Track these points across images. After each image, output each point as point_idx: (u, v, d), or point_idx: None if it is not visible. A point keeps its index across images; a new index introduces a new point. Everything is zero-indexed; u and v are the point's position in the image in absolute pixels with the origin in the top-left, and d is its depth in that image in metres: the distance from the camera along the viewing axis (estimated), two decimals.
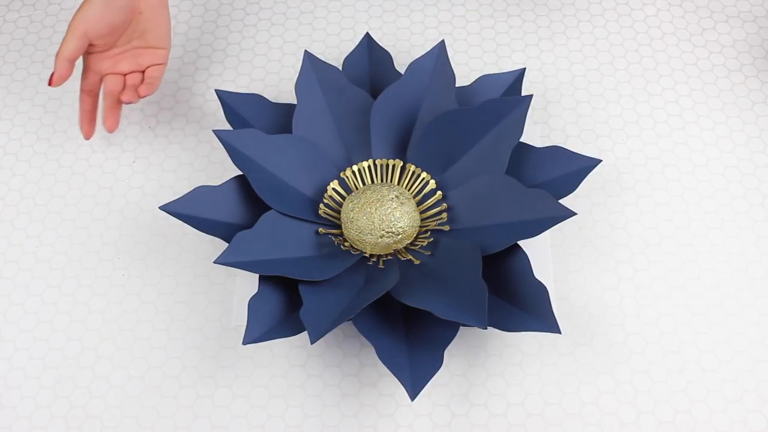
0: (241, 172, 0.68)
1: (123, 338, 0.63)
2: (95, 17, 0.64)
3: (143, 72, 0.69)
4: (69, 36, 0.64)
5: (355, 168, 0.66)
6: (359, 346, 0.62)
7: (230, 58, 0.76)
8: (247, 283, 0.64)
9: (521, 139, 0.70)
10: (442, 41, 0.68)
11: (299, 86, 0.67)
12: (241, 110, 0.68)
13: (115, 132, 0.72)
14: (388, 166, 0.66)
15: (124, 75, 0.69)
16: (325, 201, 0.65)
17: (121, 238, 0.67)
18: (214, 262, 0.57)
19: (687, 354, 0.61)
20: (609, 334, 0.61)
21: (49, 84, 0.65)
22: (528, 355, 0.61)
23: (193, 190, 0.62)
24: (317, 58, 0.68)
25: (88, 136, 0.69)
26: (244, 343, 0.56)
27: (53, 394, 0.61)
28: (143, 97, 0.68)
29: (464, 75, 0.74)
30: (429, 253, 0.61)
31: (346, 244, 0.63)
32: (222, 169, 0.70)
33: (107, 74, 0.69)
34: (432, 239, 0.62)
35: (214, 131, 0.62)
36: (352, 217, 0.63)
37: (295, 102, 0.73)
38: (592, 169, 0.62)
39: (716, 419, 0.58)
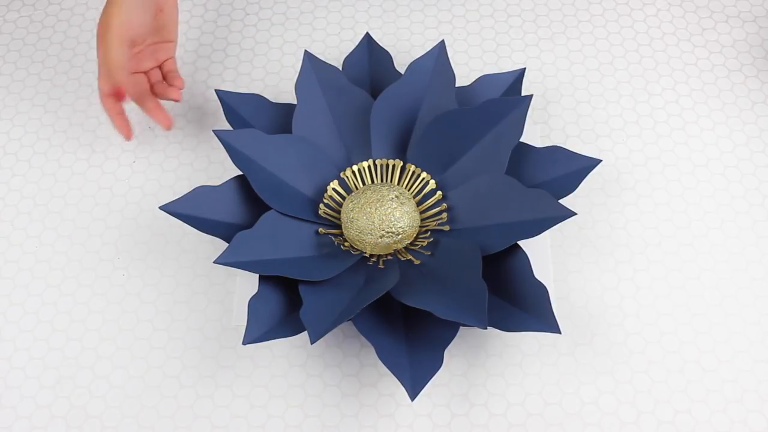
0: (241, 172, 0.68)
1: (123, 338, 0.63)
2: (136, 21, 0.64)
3: (160, 67, 0.69)
4: (117, 46, 0.64)
5: (355, 168, 0.66)
6: (359, 346, 0.62)
7: (230, 58, 0.76)
8: (247, 283, 0.64)
9: (521, 139, 0.70)
10: (442, 41, 0.68)
11: (299, 86, 0.67)
12: (241, 110, 0.68)
13: (115, 132, 0.72)
14: (388, 166, 0.66)
15: (145, 73, 0.69)
16: (325, 201, 0.65)
17: (121, 238, 0.67)
18: (214, 262, 0.57)
19: (687, 354, 0.61)
20: (609, 334, 0.61)
21: (121, 99, 0.66)
22: (528, 355, 0.61)
23: (193, 190, 0.62)
24: (317, 58, 0.68)
25: (129, 137, 0.68)
26: (244, 343, 0.56)
27: (53, 394, 0.61)
28: (179, 96, 0.68)
29: (464, 75, 0.74)
30: (429, 253, 0.61)
31: (346, 244, 0.63)
32: (222, 169, 0.70)
33: (133, 73, 0.68)
34: (432, 239, 0.62)
35: (214, 131, 0.62)
36: (352, 217, 0.63)
37: (295, 102, 0.73)
38: (592, 169, 0.62)
39: (716, 419, 0.58)
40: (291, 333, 0.56)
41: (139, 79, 0.68)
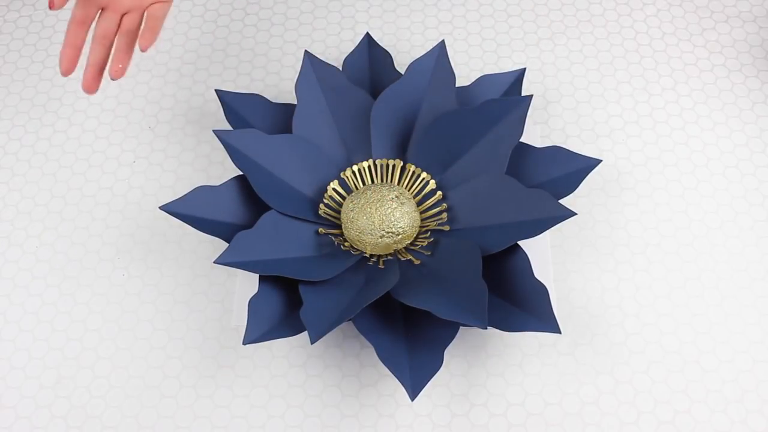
0: (241, 172, 0.68)
1: (123, 338, 0.63)
2: None
3: (143, 13, 0.59)
4: None
5: (355, 168, 0.66)
6: (359, 347, 0.62)
7: (230, 58, 0.76)
8: (247, 283, 0.64)
9: (521, 140, 0.70)
10: (442, 41, 0.68)
11: (299, 86, 0.67)
12: (241, 110, 0.68)
13: (115, 131, 0.72)
14: (388, 166, 0.66)
15: (121, 16, 0.58)
16: (325, 201, 0.65)
17: (121, 238, 0.67)
18: (214, 263, 0.57)
19: (687, 354, 0.61)
20: (609, 334, 0.61)
21: (50, 6, 0.55)
22: (528, 355, 0.61)
23: (193, 190, 0.62)
24: (317, 58, 0.68)
25: (66, 73, 0.57)
26: (244, 343, 0.56)
27: (53, 394, 0.61)
28: (144, 51, 0.57)
29: (464, 75, 0.74)
30: (429, 253, 0.61)
31: (346, 244, 0.63)
32: (222, 169, 0.70)
33: (104, 13, 0.57)
34: (432, 239, 0.62)
35: (214, 131, 0.62)
36: (352, 217, 0.63)
37: (295, 102, 0.73)
38: (592, 170, 0.62)
39: (716, 419, 0.58)
40: (291, 333, 0.56)
41: (108, 22, 0.57)
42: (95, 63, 0.57)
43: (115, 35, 0.58)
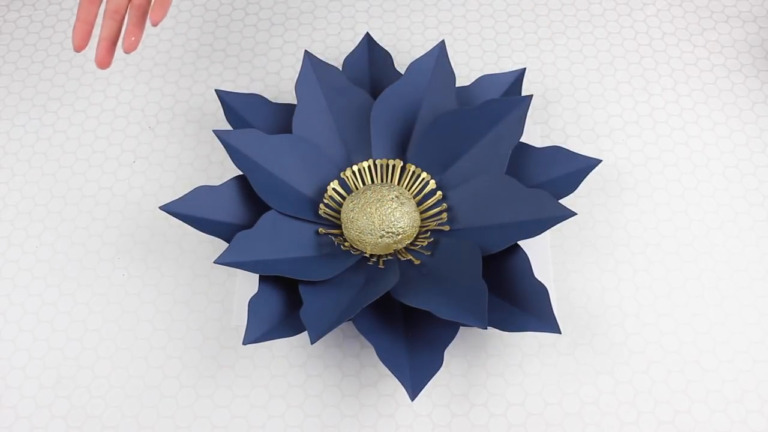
0: (241, 172, 0.68)
1: (123, 338, 0.63)
2: None
3: None
4: None
5: (355, 168, 0.66)
6: (359, 347, 0.62)
7: (230, 58, 0.76)
8: (247, 283, 0.64)
9: (521, 139, 0.70)
10: (442, 41, 0.68)
11: (299, 86, 0.67)
12: (241, 110, 0.68)
13: (115, 131, 0.72)
14: (388, 166, 0.66)
15: None
16: (325, 201, 0.65)
17: (121, 238, 0.67)
18: (214, 263, 0.57)
19: (687, 354, 0.61)
20: (609, 334, 0.61)
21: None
22: (528, 355, 0.61)
23: (193, 190, 0.62)
24: (317, 58, 0.68)
25: (79, 49, 0.58)
26: (244, 343, 0.56)
27: (53, 394, 0.61)
28: (155, 25, 0.59)
29: (464, 75, 0.74)
30: (429, 253, 0.61)
31: (346, 244, 0.63)
32: (222, 169, 0.70)
33: None
34: (432, 239, 0.62)
35: (214, 131, 0.62)
36: (352, 217, 0.63)
37: (295, 102, 0.73)
38: (592, 169, 0.62)
39: (716, 419, 0.58)
40: (291, 333, 0.57)
41: None
42: (107, 37, 0.58)
43: (126, 10, 0.59)
